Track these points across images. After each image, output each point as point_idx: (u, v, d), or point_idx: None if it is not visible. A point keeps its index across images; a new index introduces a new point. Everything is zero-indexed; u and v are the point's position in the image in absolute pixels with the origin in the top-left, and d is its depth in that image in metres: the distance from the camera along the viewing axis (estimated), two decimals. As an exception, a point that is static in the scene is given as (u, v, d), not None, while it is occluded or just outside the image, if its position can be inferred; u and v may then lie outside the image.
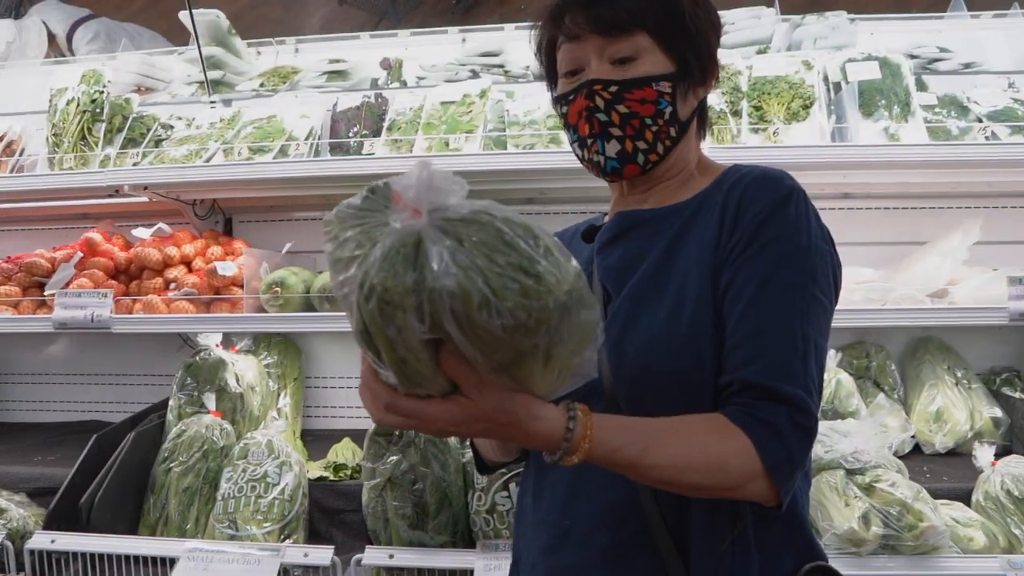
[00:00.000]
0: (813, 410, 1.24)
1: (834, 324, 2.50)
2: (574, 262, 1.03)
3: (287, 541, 2.32)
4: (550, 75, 1.52)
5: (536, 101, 2.81)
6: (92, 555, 2.27)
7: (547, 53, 1.50)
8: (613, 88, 1.40)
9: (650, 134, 1.42)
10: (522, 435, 1.12)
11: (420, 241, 0.93)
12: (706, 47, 1.45)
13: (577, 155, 1.49)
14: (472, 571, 2.13)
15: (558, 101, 1.48)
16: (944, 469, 2.57)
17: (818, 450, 2.20)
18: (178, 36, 4.04)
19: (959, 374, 2.87)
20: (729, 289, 1.30)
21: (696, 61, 1.43)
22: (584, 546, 1.35)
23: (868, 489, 2.10)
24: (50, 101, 3.04)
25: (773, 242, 1.30)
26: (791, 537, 1.34)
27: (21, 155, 3.15)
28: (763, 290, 1.28)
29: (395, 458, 2.23)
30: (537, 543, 1.43)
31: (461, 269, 0.92)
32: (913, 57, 3.14)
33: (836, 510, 2.05)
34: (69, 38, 5.39)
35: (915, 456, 2.70)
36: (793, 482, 1.24)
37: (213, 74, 3.46)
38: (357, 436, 2.82)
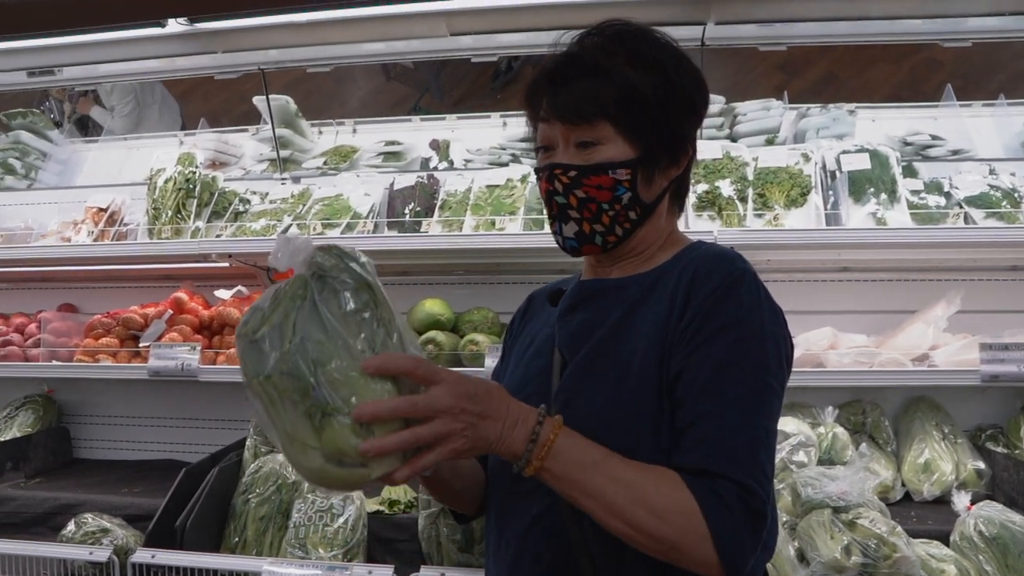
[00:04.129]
0: (761, 494, 1.25)
1: (829, 383, 2.87)
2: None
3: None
4: (537, 148, 1.54)
5: (569, 184, 3.22)
6: (186, 569, 2.64)
7: (532, 124, 1.54)
8: (572, 173, 1.43)
9: (607, 218, 1.45)
10: (512, 404, 1.23)
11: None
12: (677, 131, 1.47)
13: None
14: (510, 589, 2.49)
15: (535, 173, 1.53)
16: (930, 514, 2.83)
17: (809, 492, 2.54)
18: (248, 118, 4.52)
19: (946, 430, 3.14)
20: (684, 373, 1.33)
21: (662, 146, 1.45)
22: None
23: (851, 525, 2.43)
24: (150, 179, 3.51)
25: (727, 327, 1.33)
26: None
27: (119, 224, 3.62)
28: (717, 376, 1.31)
29: (448, 490, 2.60)
30: None
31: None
32: (908, 144, 3.49)
33: (822, 542, 2.39)
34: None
35: (905, 503, 2.97)
36: (742, 559, 1.24)
37: (282, 153, 3.92)
38: (407, 477, 3.19)
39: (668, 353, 1.36)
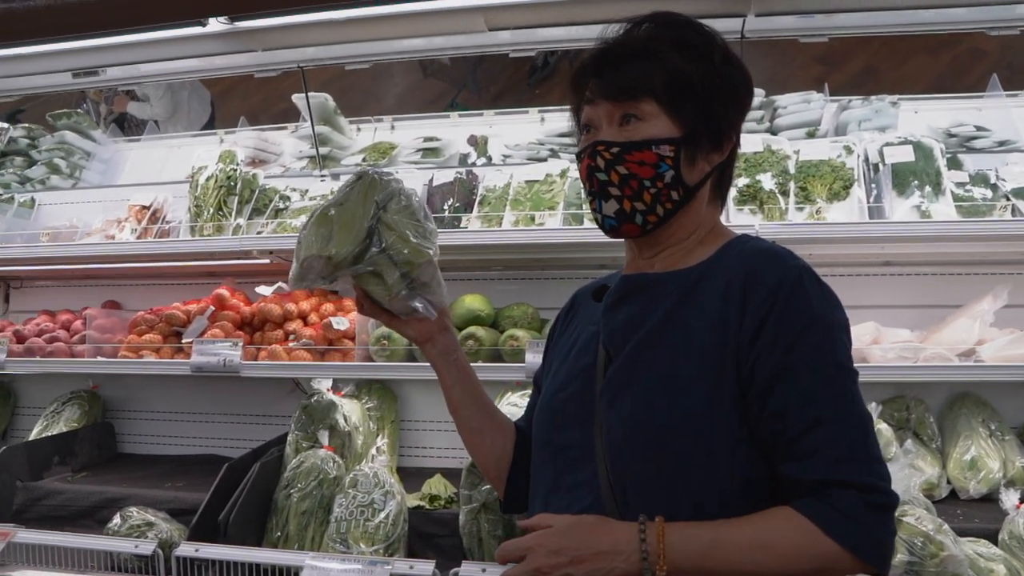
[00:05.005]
0: (882, 486, 1.29)
1: (872, 379, 2.83)
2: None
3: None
4: (579, 133, 1.56)
5: (608, 178, 3.22)
6: (230, 563, 2.67)
7: (576, 114, 1.57)
8: (615, 149, 1.43)
9: (648, 196, 1.44)
10: (606, 536, 1.30)
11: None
12: (721, 115, 1.47)
13: None
14: (551, 585, 2.48)
15: (577, 157, 1.53)
16: (977, 512, 2.79)
17: (853, 488, 2.52)
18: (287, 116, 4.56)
19: (993, 427, 3.09)
20: (777, 382, 1.32)
21: (706, 128, 1.45)
22: None
23: (896, 522, 2.40)
24: (192, 177, 3.55)
25: (807, 331, 1.33)
26: None
27: (162, 221, 3.66)
28: (813, 381, 1.32)
29: (489, 486, 2.60)
30: None
31: None
32: (952, 136, 3.43)
33: (868, 540, 2.36)
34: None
35: (951, 501, 2.93)
36: (882, 554, 1.28)
37: (322, 150, 3.94)
38: (447, 473, 3.18)
39: (735, 357, 1.36)
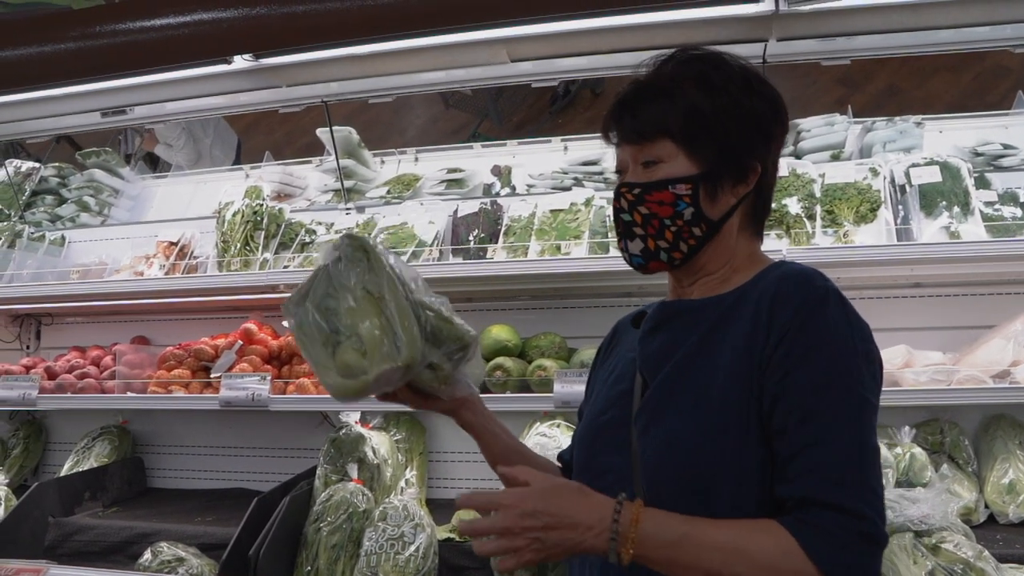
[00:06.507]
0: (872, 516, 1.25)
1: (905, 403, 2.79)
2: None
3: (423, 591, 2.68)
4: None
5: (633, 206, 3.21)
6: (261, 599, 2.68)
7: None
8: (636, 190, 1.48)
9: (670, 234, 1.48)
10: (583, 507, 1.28)
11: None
12: (740, 147, 1.48)
13: None
14: (585, 616, 2.45)
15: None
16: (1017, 538, 2.72)
17: (888, 515, 2.47)
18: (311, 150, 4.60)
19: (1031, 449, 3.07)
20: (780, 400, 1.32)
21: (726, 162, 1.47)
22: None
23: (934, 549, 2.36)
24: (218, 212, 3.58)
25: (817, 348, 1.32)
26: None
27: (190, 257, 3.70)
28: (815, 400, 1.30)
29: (519, 517, 2.59)
30: None
31: None
32: (978, 155, 3.40)
33: (905, 568, 2.32)
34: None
35: (990, 526, 2.86)
36: None
37: (346, 183, 3.96)
38: (476, 504, 3.17)
39: (758, 376, 1.36)
